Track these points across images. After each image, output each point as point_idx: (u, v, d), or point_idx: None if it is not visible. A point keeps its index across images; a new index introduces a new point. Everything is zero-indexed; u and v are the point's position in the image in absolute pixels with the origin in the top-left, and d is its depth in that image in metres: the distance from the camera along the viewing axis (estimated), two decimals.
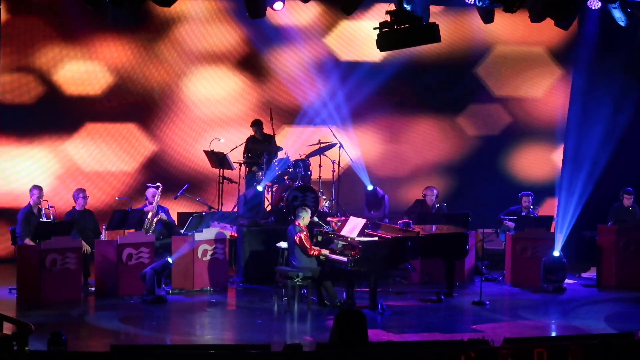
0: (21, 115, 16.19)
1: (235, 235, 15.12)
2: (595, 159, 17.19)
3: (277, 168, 15.40)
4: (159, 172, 16.73)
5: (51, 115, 16.38)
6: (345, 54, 17.37)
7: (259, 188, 15.39)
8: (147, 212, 14.55)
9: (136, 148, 16.79)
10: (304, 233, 13.14)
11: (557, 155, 17.84)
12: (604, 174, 16.97)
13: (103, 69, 16.56)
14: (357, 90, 17.13)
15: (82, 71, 16.46)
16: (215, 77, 17.12)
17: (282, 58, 17.23)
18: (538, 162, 18.04)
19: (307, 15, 17.27)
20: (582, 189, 17.04)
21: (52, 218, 13.79)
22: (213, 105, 17.13)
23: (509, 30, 17.58)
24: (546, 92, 18.09)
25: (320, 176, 15.90)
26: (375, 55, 16.21)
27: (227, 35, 17.03)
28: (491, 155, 18.02)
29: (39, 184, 14.35)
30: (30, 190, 14.14)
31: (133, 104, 16.75)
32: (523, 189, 16.52)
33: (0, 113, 16.06)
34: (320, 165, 15.94)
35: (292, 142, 16.73)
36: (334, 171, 16.08)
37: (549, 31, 17.20)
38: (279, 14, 16.54)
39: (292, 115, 17.20)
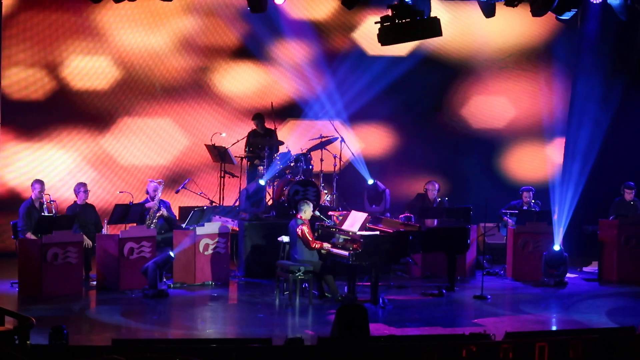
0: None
1: (237, 229, 15.13)
2: (596, 154, 17.17)
3: (278, 162, 15.40)
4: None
5: (61, 110, 16.36)
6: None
7: (262, 182, 15.39)
8: (149, 208, 14.54)
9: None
10: (307, 226, 13.15)
11: (557, 150, 17.79)
12: (604, 168, 16.96)
13: (111, 63, 16.53)
14: (365, 85, 17.13)
15: (91, 66, 16.43)
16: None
17: (292, 51, 17.18)
18: (538, 156, 18.01)
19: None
20: (582, 183, 17.02)
21: (54, 212, 13.79)
22: (220, 99, 17.11)
23: (510, 24, 17.52)
24: (546, 87, 18.03)
25: (321, 170, 15.89)
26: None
27: (235, 29, 16.97)
28: (491, 150, 17.99)
29: (40, 179, 14.38)
30: (32, 185, 14.15)
31: (142, 98, 16.75)
32: (523, 183, 16.51)
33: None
34: (321, 160, 15.92)
35: (297, 136, 16.71)
36: (335, 165, 16.07)
37: (549, 26, 17.21)
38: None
39: (297, 108, 17.17)
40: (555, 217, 15.39)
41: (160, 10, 16.56)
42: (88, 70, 16.42)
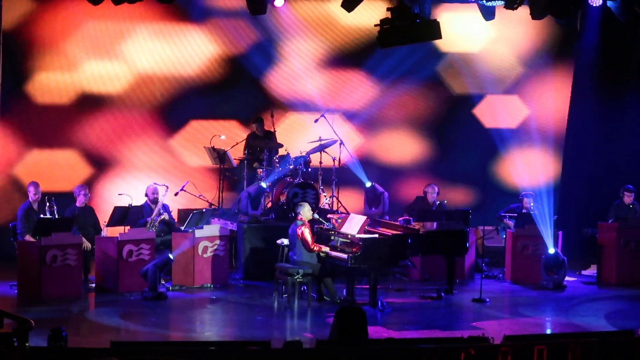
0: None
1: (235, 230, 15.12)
2: (595, 156, 17.17)
3: (277, 165, 15.39)
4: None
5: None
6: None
7: (263, 185, 15.36)
8: (145, 211, 14.54)
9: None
10: (307, 227, 13.15)
11: (557, 153, 17.79)
12: (603, 171, 16.96)
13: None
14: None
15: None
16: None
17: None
18: (539, 159, 17.98)
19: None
20: (581, 186, 17.03)
21: (55, 214, 13.79)
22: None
23: (509, 27, 17.49)
24: (546, 91, 18.00)
25: (320, 173, 15.86)
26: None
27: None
28: (490, 153, 17.97)
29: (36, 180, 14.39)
30: (28, 187, 14.18)
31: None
32: (522, 187, 16.52)
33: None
34: (320, 162, 15.90)
35: (302, 135, 16.69)
36: (334, 168, 16.04)
37: (549, 29, 17.24)
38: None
39: (302, 106, 17.19)
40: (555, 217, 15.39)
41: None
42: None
